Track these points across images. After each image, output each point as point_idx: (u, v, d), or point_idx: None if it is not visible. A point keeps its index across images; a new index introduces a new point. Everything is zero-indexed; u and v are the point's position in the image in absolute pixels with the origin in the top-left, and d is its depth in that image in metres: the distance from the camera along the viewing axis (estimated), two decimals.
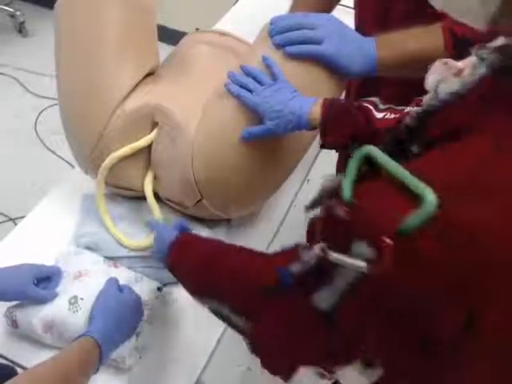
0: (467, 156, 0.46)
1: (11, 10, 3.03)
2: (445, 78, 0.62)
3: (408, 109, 0.80)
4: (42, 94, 2.65)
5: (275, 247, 1.19)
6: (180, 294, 1.04)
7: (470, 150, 0.46)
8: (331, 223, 0.53)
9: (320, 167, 1.40)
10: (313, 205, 0.75)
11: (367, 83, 1.24)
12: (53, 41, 1.09)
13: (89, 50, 1.05)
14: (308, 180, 1.31)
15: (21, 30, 3.04)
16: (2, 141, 2.42)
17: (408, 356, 0.56)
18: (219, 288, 0.71)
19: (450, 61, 0.64)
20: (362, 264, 0.48)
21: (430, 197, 0.44)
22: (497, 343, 0.50)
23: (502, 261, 0.44)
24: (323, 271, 0.54)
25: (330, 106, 0.86)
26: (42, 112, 2.58)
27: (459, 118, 0.52)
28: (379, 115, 0.82)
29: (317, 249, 0.54)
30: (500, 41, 0.56)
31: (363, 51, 0.94)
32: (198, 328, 1.00)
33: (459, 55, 0.86)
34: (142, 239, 1.07)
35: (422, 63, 0.95)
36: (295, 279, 0.59)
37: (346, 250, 0.50)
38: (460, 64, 0.62)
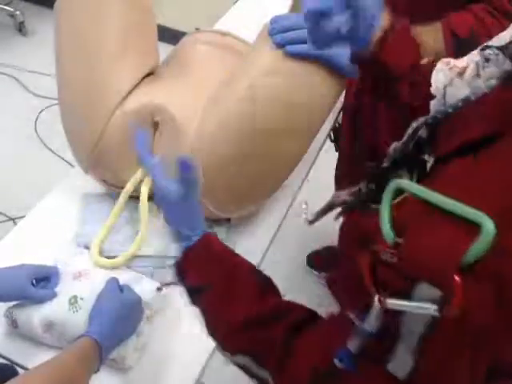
0: None
1: (11, 9, 3.03)
2: (451, 82, 0.59)
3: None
4: (42, 93, 2.65)
5: (275, 247, 1.20)
6: (180, 294, 1.04)
7: None
8: (381, 270, 0.48)
9: (320, 167, 1.40)
10: (316, 217, 0.72)
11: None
12: (53, 40, 1.09)
13: (89, 49, 1.05)
14: (307, 180, 1.31)
15: (21, 29, 3.04)
16: (2, 141, 2.42)
17: None
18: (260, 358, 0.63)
19: (452, 60, 0.62)
20: (430, 306, 0.43)
21: (488, 224, 0.41)
22: None
23: None
24: (387, 335, 0.49)
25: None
26: (41, 112, 2.58)
27: (481, 129, 0.49)
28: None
29: (376, 302, 0.48)
30: (505, 38, 0.55)
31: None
32: (198, 328, 1.00)
33: (459, 55, 0.85)
34: (118, 258, 1.04)
35: None
36: (356, 357, 0.51)
37: (407, 295, 0.45)
38: (461, 63, 0.60)
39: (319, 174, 1.48)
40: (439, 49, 0.93)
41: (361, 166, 0.84)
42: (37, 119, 2.56)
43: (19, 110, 2.61)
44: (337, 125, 1.46)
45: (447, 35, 0.92)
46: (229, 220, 1.15)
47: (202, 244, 0.74)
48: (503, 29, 0.91)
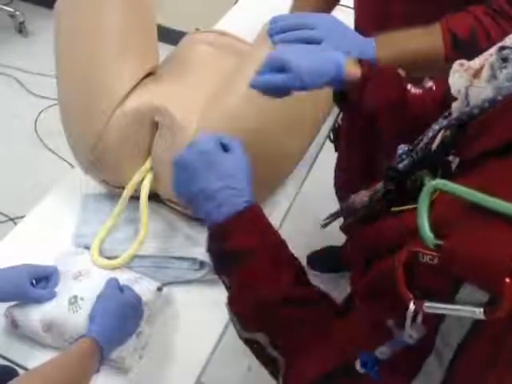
0: None
1: (11, 9, 3.03)
2: (471, 83, 0.58)
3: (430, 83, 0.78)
4: (42, 94, 2.65)
5: None
6: (180, 294, 1.04)
7: None
8: (420, 273, 0.46)
9: (320, 167, 1.40)
10: (329, 221, 0.73)
11: None
12: (53, 40, 1.09)
13: (89, 49, 1.05)
14: (307, 180, 1.31)
15: (21, 29, 3.04)
16: (2, 141, 2.42)
17: None
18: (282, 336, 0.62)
19: (465, 62, 0.61)
20: (474, 309, 0.42)
21: None
22: None
23: None
24: (420, 347, 0.47)
25: (369, 66, 0.80)
26: (41, 112, 2.58)
27: None
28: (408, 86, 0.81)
29: (411, 308, 0.46)
30: None
31: (363, 51, 0.94)
32: (198, 328, 1.00)
33: (458, 56, 0.85)
34: (118, 258, 1.04)
35: (421, 63, 0.96)
36: (381, 365, 0.50)
37: (448, 298, 0.44)
38: (475, 64, 0.59)
39: (319, 174, 1.48)
40: (438, 50, 0.93)
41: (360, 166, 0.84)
42: (37, 119, 2.56)
43: (19, 110, 2.61)
44: (337, 125, 1.47)
45: (446, 36, 0.92)
46: None
47: (252, 211, 0.70)
48: (502, 30, 0.92)
